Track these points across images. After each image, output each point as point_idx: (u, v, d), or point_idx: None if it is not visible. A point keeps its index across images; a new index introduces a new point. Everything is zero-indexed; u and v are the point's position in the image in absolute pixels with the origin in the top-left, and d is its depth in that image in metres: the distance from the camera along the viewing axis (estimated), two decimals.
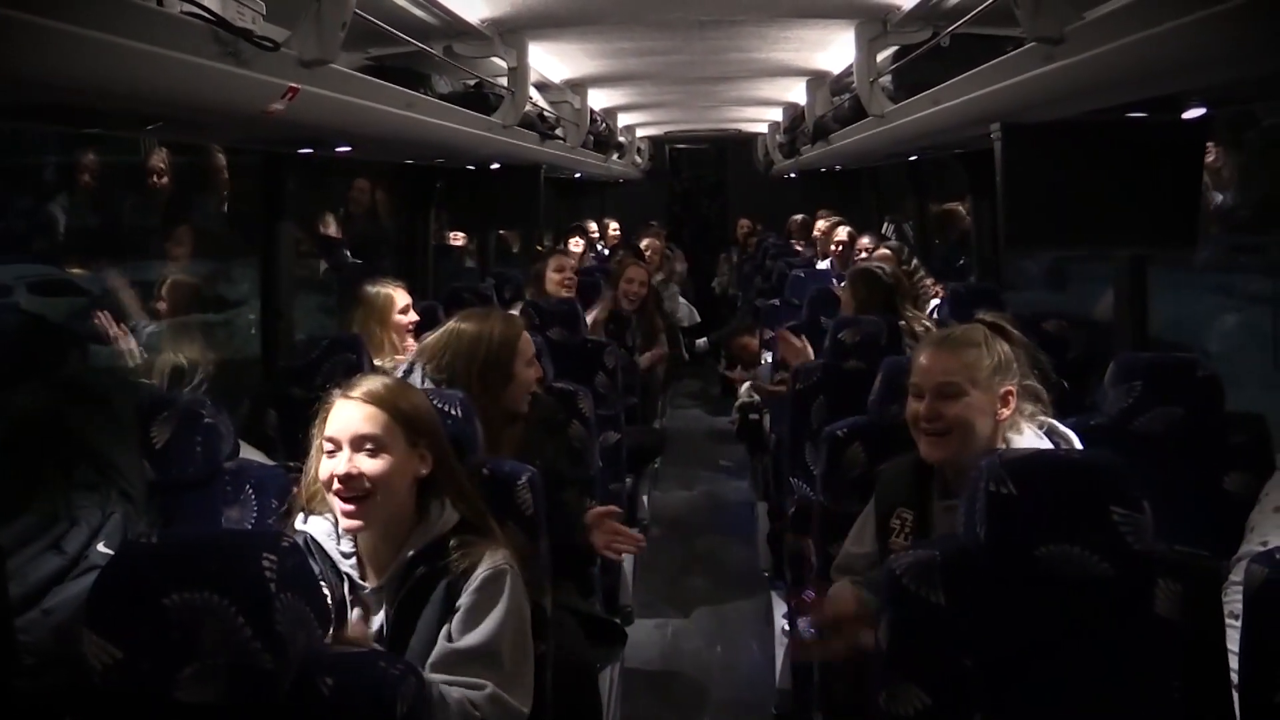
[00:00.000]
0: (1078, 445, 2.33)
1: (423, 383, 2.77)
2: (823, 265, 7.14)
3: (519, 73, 4.06)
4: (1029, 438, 2.28)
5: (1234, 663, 1.78)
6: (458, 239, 7.32)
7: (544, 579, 2.36)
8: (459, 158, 4.69)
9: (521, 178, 5.08)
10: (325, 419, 2.03)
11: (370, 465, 1.97)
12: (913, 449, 2.39)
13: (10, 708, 2.00)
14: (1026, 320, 3.54)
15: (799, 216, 9.49)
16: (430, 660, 1.93)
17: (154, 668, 1.46)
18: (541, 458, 2.71)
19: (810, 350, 4.22)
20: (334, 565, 2.02)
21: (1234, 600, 1.99)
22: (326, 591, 1.97)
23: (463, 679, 1.90)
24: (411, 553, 2.01)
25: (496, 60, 3.98)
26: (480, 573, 1.98)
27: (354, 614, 2.00)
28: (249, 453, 2.79)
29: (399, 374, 2.92)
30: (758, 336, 6.64)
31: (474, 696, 1.89)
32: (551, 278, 5.12)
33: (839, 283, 5.77)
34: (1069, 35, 2.01)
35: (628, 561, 3.98)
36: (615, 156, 8.29)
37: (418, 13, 3.27)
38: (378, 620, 2.01)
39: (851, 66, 4.22)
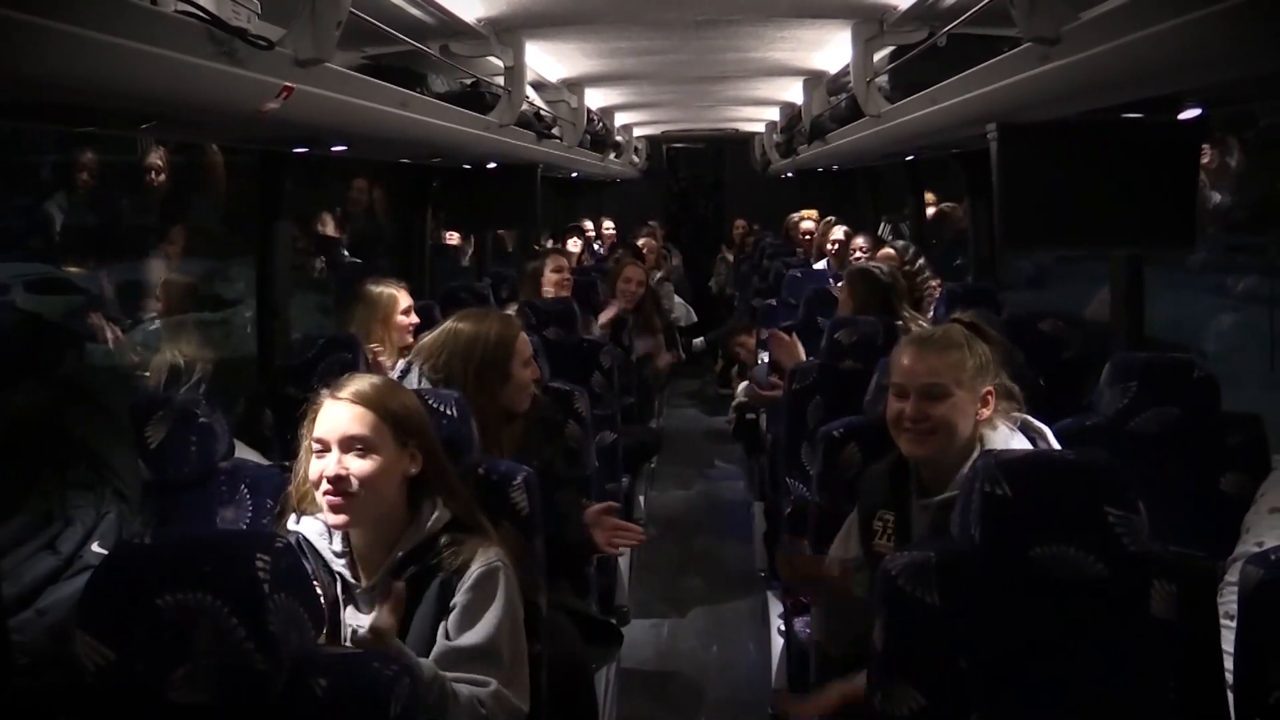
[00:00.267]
0: (1052, 440, 2.34)
1: (420, 382, 2.76)
2: (819, 265, 7.14)
3: (515, 72, 4.05)
4: (1003, 433, 2.29)
5: (1229, 663, 1.78)
6: (454, 238, 7.32)
7: (539, 579, 2.36)
8: (455, 157, 4.69)
9: (518, 177, 5.08)
10: (314, 419, 2.02)
11: (358, 466, 1.97)
12: None
13: (4, 708, 2.00)
14: (1023, 320, 3.56)
15: (796, 216, 9.49)
16: (432, 657, 1.92)
17: (147, 668, 1.45)
18: (538, 458, 2.70)
19: (801, 349, 4.22)
20: (326, 565, 2.02)
21: (1229, 601, 1.99)
22: (320, 591, 1.97)
23: (466, 676, 1.91)
24: (403, 552, 2.01)
25: (493, 59, 3.98)
26: (474, 570, 1.98)
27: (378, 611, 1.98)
28: (244, 452, 2.78)
29: (395, 374, 2.92)
30: (754, 336, 6.63)
31: (480, 694, 1.90)
32: (549, 278, 5.11)
33: (835, 282, 5.77)
34: (1065, 35, 2.01)
35: (624, 561, 3.98)
36: (612, 156, 8.29)
37: (414, 12, 3.27)
38: (371, 619, 2.00)
39: (848, 66, 4.21)
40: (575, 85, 5.77)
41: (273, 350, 3.68)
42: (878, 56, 3.99)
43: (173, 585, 1.45)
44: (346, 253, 6.16)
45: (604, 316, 5.36)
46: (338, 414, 2.00)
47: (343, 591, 2.03)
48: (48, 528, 2.25)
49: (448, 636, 1.95)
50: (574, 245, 8.30)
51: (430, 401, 2.39)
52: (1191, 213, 2.68)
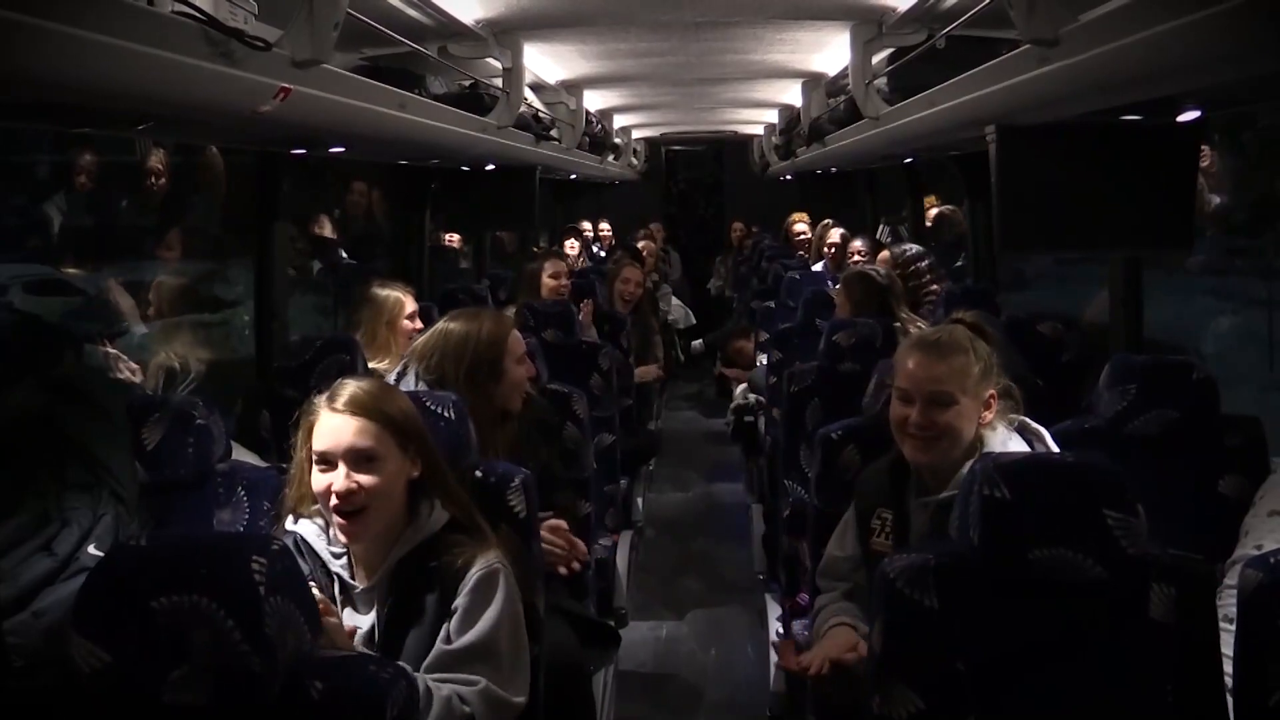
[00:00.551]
0: (1050, 442, 2.34)
1: (416, 384, 2.75)
2: (817, 267, 7.14)
3: (514, 74, 4.05)
4: (1001, 435, 2.30)
5: (1228, 666, 1.78)
6: (453, 240, 7.32)
7: (537, 581, 2.36)
8: (454, 159, 4.68)
9: (517, 179, 5.08)
10: (310, 431, 2.00)
11: (367, 479, 1.96)
12: None
13: (1, 710, 1.99)
14: (1022, 322, 3.56)
15: (795, 217, 9.48)
16: (427, 661, 1.93)
17: (142, 671, 1.45)
18: (535, 459, 2.70)
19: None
20: (324, 565, 2.02)
21: (1228, 604, 1.99)
22: (317, 592, 1.97)
23: (457, 676, 1.91)
24: (402, 553, 2.00)
25: (491, 61, 3.98)
26: (474, 574, 1.98)
27: (339, 618, 1.98)
28: (242, 454, 2.78)
29: (392, 377, 2.92)
30: (753, 340, 6.63)
31: (464, 692, 1.90)
32: (547, 283, 5.09)
33: (833, 285, 5.77)
34: (1064, 37, 2.01)
35: (622, 564, 3.97)
36: (611, 158, 8.29)
37: (412, 13, 3.27)
38: (369, 620, 2.00)
39: (847, 68, 4.21)
40: (574, 87, 5.76)
41: (270, 352, 3.68)
42: (876, 58, 3.99)
43: (168, 588, 1.45)
44: (344, 254, 6.16)
45: (641, 375, 5.36)
46: (339, 427, 1.98)
47: (340, 592, 2.02)
48: (44, 529, 2.24)
49: (448, 640, 1.95)
50: (571, 247, 8.29)
51: (428, 403, 2.38)
52: (1190, 215, 2.68)
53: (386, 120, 2.92)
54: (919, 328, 3.83)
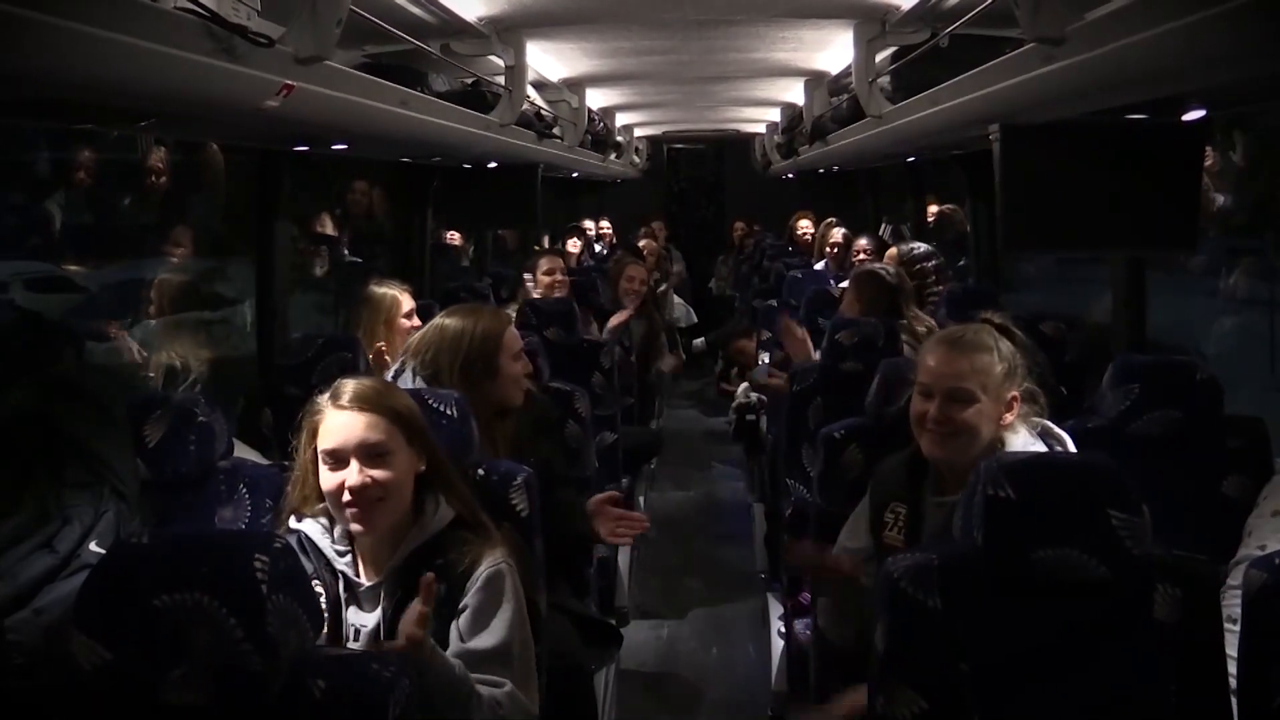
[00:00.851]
0: (1071, 447, 2.33)
1: (414, 382, 2.75)
2: (819, 266, 7.14)
3: (516, 71, 4.05)
4: (1024, 438, 2.28)
5: (1232, 667, 1.78)
6: (454, 238, 7.31)
7: (539, 580, 2.35)
8: (456, 156, 4.68)
9: (519, 177, 5.07)
10: (315, 431, 2.00)
11: (380, 473, 1.96)
12: (908, 449, 2.39)
13: (1, 708, 1.99)
14: (1024, 322, 3.55)
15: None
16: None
17: (143, 669, 1.44)
18: (536, 457, 2.69)
19: (810, 344, 4.21)
20: (328, 564, 2.02)
21: (1232, 605, 1.99)
22: (321, 590, 1.97)
23: (484, 677, 1.91)
24: (408, 551, 2.00)
25: (494, 59, 3.97)
26: (482, 572, 1.98)
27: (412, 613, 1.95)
28: (243, 451, 2.77)
29: (390, 375, 2.92)
30: (754, 339, 6.63)
31: (497, 694, 1.91)
32: (541, 280, 5.08)
33: (835, 284, 5.77)
34: (1069, 36, 2.00)
35: (624, 562, 3.97)
36: (613, 156, 8.28)
37: (414, 10, 3.26)
38: (374, 618, 2.00)
39: (850, 67, 4.21)
40: (576, 85, 5.76)
41: (272, 349, 3.68)
42: (880, 57, 3.98)
43: (170, 585, 1.44)
44: (346, 252, 6.15)
45: (614, 321, 5.33)
46: (348, 423, 1.97)
47: (345, 590, 2.02)
48: (45, 526, 2.23)
49: (461, 638, 1.95)
50: (574, 246, 8.30)
51: (430, 401, 2.38)
52: (1194, 215, 2.68)
53: (389, 118, 2.92)
54: (925, 327, 3.83)
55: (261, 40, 1.95)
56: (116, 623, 1.46)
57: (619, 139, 8.42)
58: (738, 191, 12.21)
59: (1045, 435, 2.32)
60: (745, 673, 4.18)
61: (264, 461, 2.77)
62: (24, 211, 4.91)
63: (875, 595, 1.91)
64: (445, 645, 1.95)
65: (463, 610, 1.96)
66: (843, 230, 7.05)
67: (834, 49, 4.63)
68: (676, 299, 8.43)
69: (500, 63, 4.02)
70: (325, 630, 1.93)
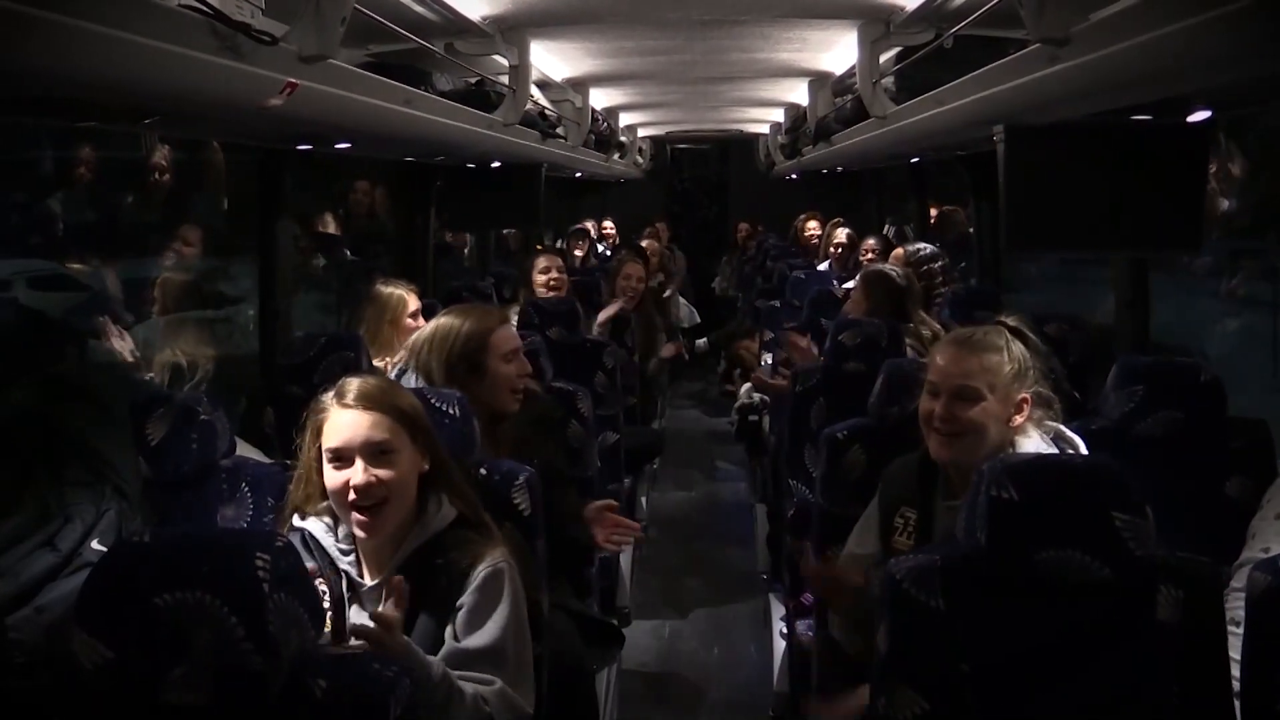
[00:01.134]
0: (1084, 452, 2.31)
1: (416, 382, 2.75)
2: (823, 267, 7.13)
3: (520, 71, 4.04)
4: (1035, 442, 2.26)
5: (1235, 670, 1.77)
6: (458, 236, 7.31)
7: (541, 579, 2.35)
8: (459, 156, 4.68)
9: (522, 176, 5.07)
10: (319, 430, 2.00)
11: (385, 472, 1.96)
12: (912, 451, 2.38)
13: (1, 706, 1.99)
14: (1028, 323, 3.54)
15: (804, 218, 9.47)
16: (439, 657, 1.92)
17: (144, 667, 1.44)
18: (539, 457, 2.69)
19: (816, 351, 4.21)
20: (332, 562, 2.02)
21: (1235, 607, 1.98)
22: (325, 589, 1.97)
23: (473, 675, 1.91)
24: (410, 550, 2.00)
25: (498, 58, 3.97)
26: (480, 571, 1.98)
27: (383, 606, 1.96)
28: (246, 450, 2.77)
29: (393, 375, 2.91)
30: (757, 340, 6.62)
31: (485, 692, 1.91)
32: (537, 279, 5.06)
33: (839, 284, 5.77)
34: (1073, 37, 2.00)
35: (625, 563, 3.97)
36: (616, 156, 8.28)
37: (418, 9, 3.26)
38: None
39: (854, 67, 4.20)
40: (580, 85, 5.76)
41: (274, 348, 3.68)
42: (884, 58, 3.98)
43: (171, 584, 1.44)
44: (348, 252, 6.15)
45: (603, 315, 5.31)
46: (353, 422, 1.98)
47: (348, 589, 2.02)
48: (47, 525, 2.23)
49: (455, 637, 1.95)
50: (579, 248, 8.31)
51: (433, 401, 2.38)
52: (1199, 216, 2.67)
53: (392, 116, 2.91)
54: (931, 330, 3.83)
55: (265, 38, 1.95)
56: (117, 621, 1.45)
57: (622, 139, 8.41)
58: (741, 192, 12.20)
59: (1058, 439, 2.31)
60: (747, 673, 4.18)
61: (266, 460, 2.76)
62: (26, 209, 4.91)
63: (878, 597, 1.91)
64: (441, 643, 1.95)
65: (459, 609, 1.96)
66: (847, 231, 7.05)
67: (838, 49, 4.62)
68: (680, 299, 8.43)
69: (504, 62, 4.02)
70: (328, 629, 1.93)
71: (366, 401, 1.99)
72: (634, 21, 4.07)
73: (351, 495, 1.95)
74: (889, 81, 3.92)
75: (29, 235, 4.83)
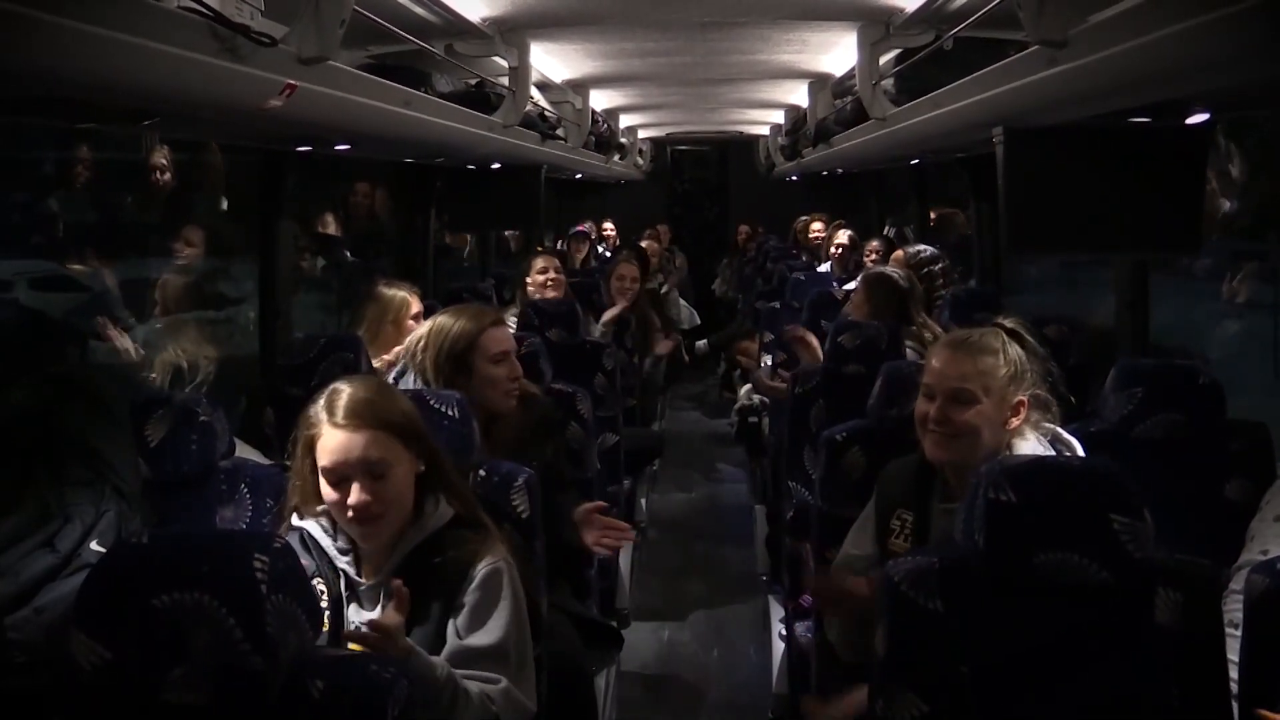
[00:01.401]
0: (1081, 454, 2.31)
1: (414, 382, 2.76)
2: (823, 268, 7.13)
3: (520, 72, 4.05)
4: (1033, 445, 2.26)
5: (1234, 672, 1.77)
6: (460, 238, 7.31)
7: (540, 581, 2.35)
8: (459, 157, 4.68)
9: (522, 178, 5.07)
10: (312, 444, 1.99)
11: (382, 488, 1.96)
12: (911, 453, 2.38)
13: (0, 707, 1.99)
14: (1026, 326, 3.54)
15: (805, 219, 9.47)
16: (443, 657, 1.93)
17: (142, 668, 1.44)
18: (538, 459, 2.69)
19: (819, 350, 4.21)
20: (330, 562, 2.02)
21: (1234, 609, 1.98)
22: (323, 588, 1.97)
23: (478, 674, 1.92)
24: (408, 549, 2.00)
25: (498, 60, 3.97)
26: (480, 570, 1.99)
27: (383, 609, 1.97)
28: (245, 451, 2.77)
29: (391, 376, 2.92)
30: (756, 342, 6.62)
31: (490, 691, 1.91)
32: (535, 279, 5.05)
33: (840, 286, 5.76)
34: (1072, 39, 2.00)
35: (624, 564, 3.97)
36: (617, 157, 8.28)
37: (418, 11, 3.26)
38: (374, 616, 1.99)
39: (854, 69, 4.21)
40: (580, 86, 5.76)
41: (274, 349, 3.68)
42: (884, 59, 3.98)
43: (169, 585, 1.44)
44: (349, 253, 6.15)
45: (607, 315, 5.32)
46: (345, 444, 1.95)
47: (346, 589, 2.02)
48: (46, 525, 2.23)
49: (458, 635, 1.95)
50: (579, 251, 8.32)
51: (431, 402, 2.38)
52: (1198, 218, 2.67)
53: (392, 118, 2.92)
54: (933, 334, 3.83)
55: (265, 40, 1.95)
56: (116, 622, 1.46)
57: (623, 140, 8.42)
58: (741, 193, 12.21)
59: (1055, 442, 2.31)
60: (746, 675, 4.18)
61: (265, 461, 2.77)
62: (27, 210, 4.91)
63: (876, 599, 1.91)
64: (443, 642, 1.95)
65: (460, 608, 1.96)
66: (849, 232, 7.04)
67: (838, 51, 4.63)
68: (680, 301, 8.43)
69: (504, 64, 4.02)
70: (327, 629, 1.93)
71: (358, 420, 1.96)
72: (634, 23, 4.07)
73: (349, 513, 1.95)
74: (889, 83, 3.92)
75: (30, 235, 4.83)
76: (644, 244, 8.70)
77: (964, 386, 2.24)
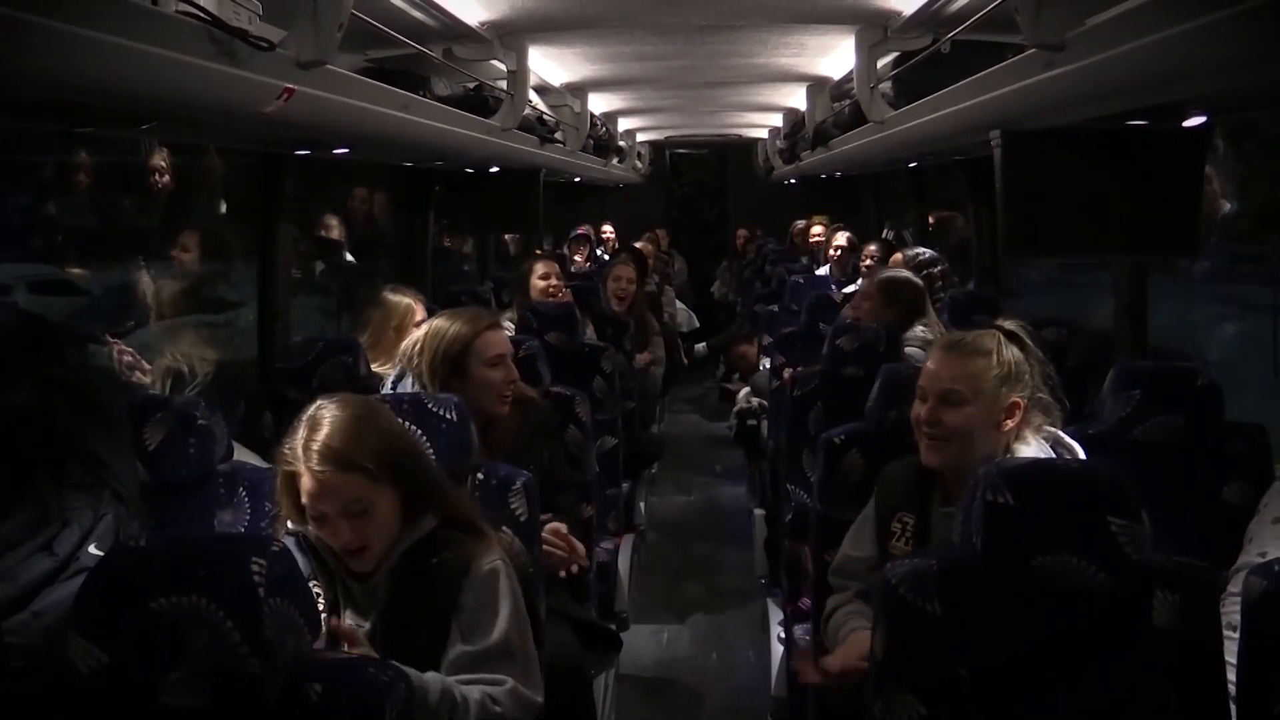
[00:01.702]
0: (1082, 458, 2.31)
1: (413, 386, 2.76)
2: (822, 271, 7.13)
3: (518, 76, 4.05)
4: (1033, 449, 2.26)
5: (1232, 674, 1.77)
6: (459, 241, 7.31)
7: (538, 584, 2.35)
8: (458, 160, 4.68)
9: (521, 181, 5.07)
10: (292, 478, 1.98)
11: (363, 525, 1.95)
12: (909, 455, 2.38)
13: None
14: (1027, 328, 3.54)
15: (801, 223, 9.49)
16: (447, 662, 1.94)
17: (140, 672, 1.44)
18: (536, 462, 2.69)
19: None
20: (325, 564, 2.02)
21: (1232, 611, 1.98)
22: (318, 591, 1.97)
23: (484, 676, 1.92)
24: (402, 550, 2.01)
25: (496, 63, 3.97)
26: (478, 571, 1.99)
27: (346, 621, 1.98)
28: (244, 455, 2.77)
29: (389, 381, 2.92)
30: (755, 345, 6.63)
31: (494, 692, 1.92)
32: (536, 284, 5.05)
33: (838, 289, 5.77)
34: (1069, 42, 2.00)
35: (624, 567, 3.97)
36: (615, 161, 8.28)
37: (416, 15, 3.26)
38: (369, 618, 2.00)
39: (852, 72, 4.21)
40: (578, 90, 5.76)
41: (273, 353, 3.68)
42: (881, 62, 3.98)
43: (167, 589, 1.44)
44: (349, 255, 6.15)
45: (641, 359, 5.28)
46: (325, 489, 1.94)
47: (342, 592, 2.02)
48: (45, 529, 2.24)
49: (462, 639, 1.95)
50: (580, 253, 8.32)
51: (430, 405, 2.38)
52: (1196, 220, 2.67)
53: (390, 122, 2.92)
54: (937, 333, 3.82)
55: (263, 44, 1.96)
56: (114, 626, 1.45)
57: (621, 144, 8.42)
58: (740, 196, 12.22)
59: (1057, 445, 2.30)
60: (745, 678, 4.18)
61: (264, 465, 2.76)
62: (27, 213, 4.92)
63: (874, 601, 1.91)
64: (443, 644, 1.95)
65: (461, 609, 1.97)
66: (847, 234, 7.05)
67: (836, 54, 4.63)
68: (679, 304, 8.43)
69: (502, 67, 4.02)
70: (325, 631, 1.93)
71: (335, 463, 1.93)
72: (632, 27, 4.07)
73: (339, 550, 1.97)
74: (886, 86, 3.93)
75: (29, 239, 4.84)
76: (638, 244, 8.70)
77: (953, 388, 2.24)
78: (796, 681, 3.15)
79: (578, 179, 8.34)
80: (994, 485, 1.80)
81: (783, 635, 3.42)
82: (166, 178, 4.91)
